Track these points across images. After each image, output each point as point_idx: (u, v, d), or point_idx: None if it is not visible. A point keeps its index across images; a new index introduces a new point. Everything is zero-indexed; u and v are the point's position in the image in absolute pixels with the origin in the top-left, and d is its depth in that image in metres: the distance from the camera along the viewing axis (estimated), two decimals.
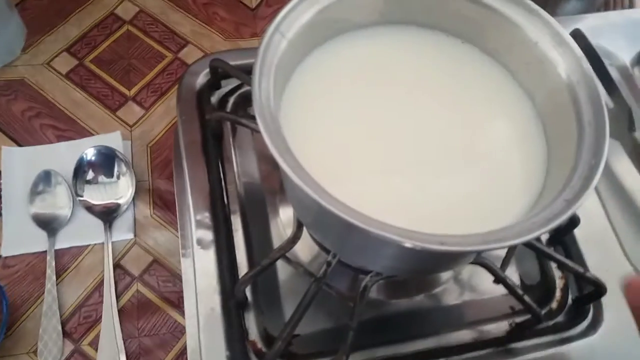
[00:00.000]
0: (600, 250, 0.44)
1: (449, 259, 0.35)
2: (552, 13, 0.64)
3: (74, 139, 0.65)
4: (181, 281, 0.57)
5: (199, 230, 0.43)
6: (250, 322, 0.41)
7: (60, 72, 0.70)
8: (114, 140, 0.64)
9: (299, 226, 0.39)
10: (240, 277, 0.42)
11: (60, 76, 0.69)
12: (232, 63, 0.49)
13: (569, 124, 0.34)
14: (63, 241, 0.59)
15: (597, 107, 0.33)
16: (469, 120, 0.38)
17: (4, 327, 0.52)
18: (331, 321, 0.43)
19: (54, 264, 0.57)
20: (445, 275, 0.46)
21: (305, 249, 0.44)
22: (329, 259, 0.38)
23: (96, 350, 0.54)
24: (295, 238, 0.39)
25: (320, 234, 0.38)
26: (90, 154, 0.61)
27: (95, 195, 0.61)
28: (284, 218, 0.47)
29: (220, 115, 0.46)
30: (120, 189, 0.61)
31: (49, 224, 0.59)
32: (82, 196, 0.60)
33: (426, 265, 0.36)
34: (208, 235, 0.43)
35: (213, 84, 0.49)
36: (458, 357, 0.41)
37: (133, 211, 0.62)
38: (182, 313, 0.57)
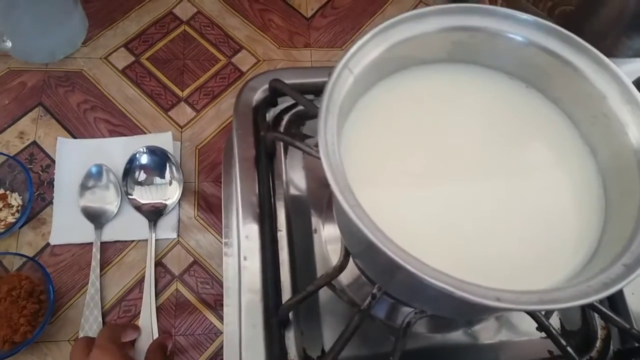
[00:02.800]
0: None
1: (498, 310, 0.36)
2: (612, 49, 0.64)
3: (126, 135, 0.67)
4: (219, 284, 0.59)
5: (246, 244, 0.44)
6: (290, 341, 0.42)
7: (117, 67, 0.72)
8: (165, 140, 0.66)
9: (345, 255, 0.40)
10: (282, 296, 0.43)
11: (116, 71, 0.71)
12: (288, 82, 0.49)
13: (632, 185, 0.34)
14: (108, 235, 0.61)
15: None
16: (525, 168, 0.38)
17: (50, 312, 0.54)
18: (367, 347, 0.44)
19: (99, 256, 0.59)
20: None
21: (349, 275, 0.45)
22: (374, 292, 0.39)
23: (133, 345, 0.56)
24: (342, 267, 0.40)
25: (368, 267, 0.39)
26: (143, 157, 0.63)
27: (144, 195, 0.63)
28: (326, 236, 0.48)
29: (275, 135, 0.46)
30: (169, 191, 0.63)
31: (96, 217, 0.61)
32: (131, 195, 0.62)
33: (472, 312, 0.36)
34: (255, 251, 0.44)
35: (270, 101, 0.50)
36: None
37: (178, 212, 0.63)
38: (218, 316, 0.59)
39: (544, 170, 0.38)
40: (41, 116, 0.67)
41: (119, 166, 0.64)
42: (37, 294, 0.56)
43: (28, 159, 0.64)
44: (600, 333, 0.44)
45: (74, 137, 0.66)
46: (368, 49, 0.36)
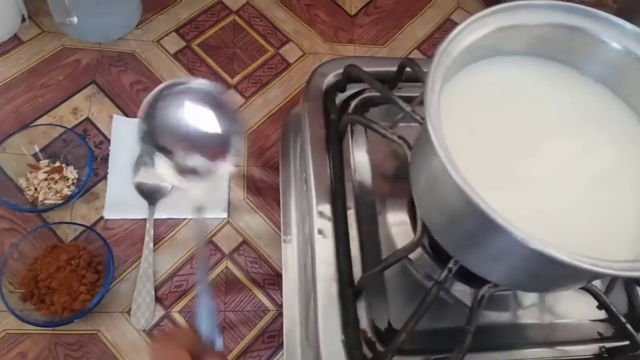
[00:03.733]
0: None
1: (572, 280, 0.38)
2: None
3: None
4: (267, 265, 0.60)
5: (320, 220, 0.46)
6: (362, 312, 0.44)
7: (169, 51, 0.73)
8: None
9: (423, 230, 0.42)
10: (354, 268, 0.45)
11: (168, 55, 0.73)
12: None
13: None
14: (161, 212, 0.62)
15: None
16: (594, 153, 0.41)
17: (109, 282, 0.55)
18: (436, 322, 0.45)
19: (152, 232, 0.61)
20: (538, 295, 0.49)
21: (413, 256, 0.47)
22: (450, 266, 0.41)
23: (185, 318, 0.58)
24: (419, 241, 0.42)
25: (449, 238, 0.41)
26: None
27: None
28: (391, 221, 0.50)
29: (352, 118, 0.48)
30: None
31: (150, 194, 0.63)
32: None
33: (548, 282, 0.38)
34: (328, 227, 0.46)
35: (341, 86, 0.52)
36: None
37: (228, 193, 0.65)
38: (267, 294, 0.60)
39: (610, 157, 0.40)
40: (95, 94, 0.69)
41: None
42: (95, 265, 0.57)
43: (81, 135, 0.65)
44: None
45: (127, 116, 0.68)
46: (462, 36, 0.38)
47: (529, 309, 0.49)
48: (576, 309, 0.49)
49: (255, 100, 0.72)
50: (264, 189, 0.66)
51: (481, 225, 0.34)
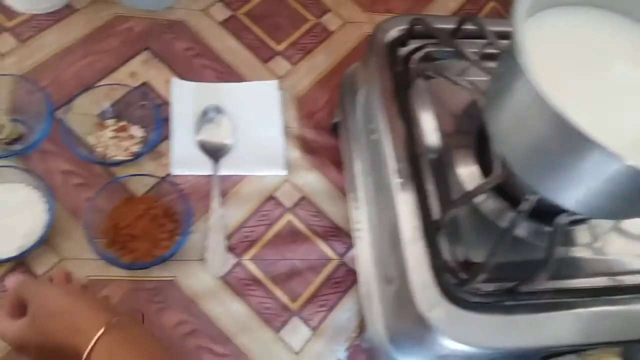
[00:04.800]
0: None
1: None
2: None
3: (231, 81, 0.71)
4: (327, 218, 0.64)
5: (397, 164, 0.50)
6: (443, 245, 0.48)
7: (216, 19, 0.76)
8: (272, 87, 0.71)
9: (503, 166, 0.46)
10: (431, 208, 0.49)
11: (216, 23, 0.76)
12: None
13: None
14: (224, 169, 0.65)
15: None
16: None
17: (188, 228, 0.58)
18: (513, 254, 0.49)
19: (218, 186, 0.64)
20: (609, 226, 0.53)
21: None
22: (528, 197, 0.45)
23: (257, 266, 0.61)
24: (500, 175, 0.46)
25: (532, 171, 0.45)
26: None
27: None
28: (459, 168, 0.54)
29: (423, 66, 0.52)
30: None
31: (214, 152, 0.66)
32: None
33: (628, 207, 0.43)
34: (405, 170, 0.50)
35: (403, 41, 0.56)
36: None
37: (285, 153, 0.68)
38: (329, 245, 0.64)
39: None
40: (150, 59, 0.71)
41: (230, 108, 0.68)
42: (171, 214, 0.59)
43: (140, 97, 0.68)
44: None
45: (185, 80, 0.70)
46: None
47: (603, 243, 0.53)
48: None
49: (302, 67, 0.75)
50: (317, 149, 0.70)
51: (574, 149, 0.39)
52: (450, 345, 0.44)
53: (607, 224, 0.53)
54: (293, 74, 0.75)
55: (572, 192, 0.43)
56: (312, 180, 0.68)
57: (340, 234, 0.65)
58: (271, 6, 0.79)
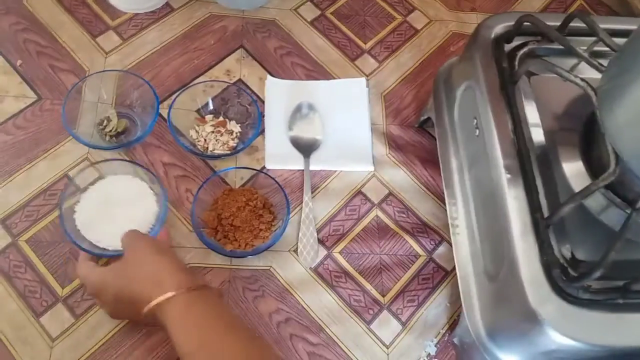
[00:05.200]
0: None
1: None
2: None
3: (320, 79, 0.73)
4: (414, 215, 0.65)
5: (505, 160, 0.50)
6: (552, 242, 0.48)
7: (306, 19, 0.78)
8: (360, 85, 0.73)
9: (616, 163, 0.46)
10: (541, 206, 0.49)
11: (305, 22, 0.78)
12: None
13: None
14: (315, 164, 0.67)
15: None
16: None
17: (287, 219, 0.60)
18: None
19: (309, 180, 0.66)
20: None
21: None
22: None
23: (347, 259, 0.63)
24: (615, 171, 0.45)
25: None
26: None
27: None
28: (564, 166, 0.54)
29: (535, 62, 0.52)
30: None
31: (305, 147, 0.68)
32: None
33: None
34: (514, 166, 0.50)
35: (509, 37, 0.56)
36: None
37: (372, 149, 0.69)
38: (417, 241, 0.65)
39: None
40: (244, 57, 0.74)
41: (320, 105, 0.70)
42: (269, 206, 0.62)
43: (236, 94, 0.70)
44: None
45: (277, 77, 0.73)
46: None
47: None
48: None
49: (388, 64, 0.76)
50: (403, 146, 0.71)
51: None
52: (559, 340, 0.44)
53: None
54: (379, 72, 0.76)
55: None
56: (398, 177, 0.69)
57: (427, 231, 0.66)
58: (358, 5, 0.80)
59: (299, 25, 0.78)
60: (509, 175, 0.50)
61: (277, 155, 0.68)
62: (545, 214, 0.48)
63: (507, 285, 0.48)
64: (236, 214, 0.60)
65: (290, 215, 0.64)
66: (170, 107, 0.65)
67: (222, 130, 0.67)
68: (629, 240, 0.50)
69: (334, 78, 0.74)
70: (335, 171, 0.68)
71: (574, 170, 0.52)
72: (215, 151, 0.66)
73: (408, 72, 0.76)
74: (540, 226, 0.47)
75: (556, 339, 0.44)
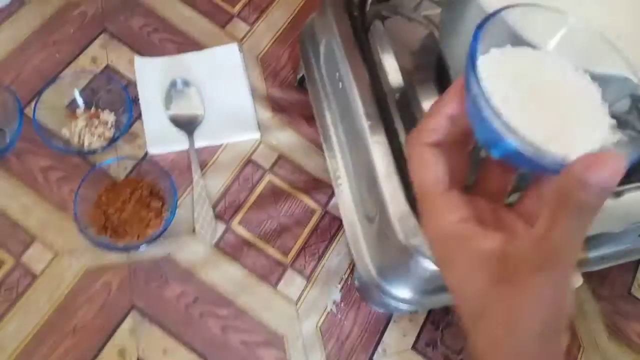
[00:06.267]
0: None
1: None
2: None
3: (192, 52, 0.72)
4: (305, 173, 0.66)
5: (368, 107, 0.51)
6: None
7: None
8: (233, 51, 0.72)
9: None
10: (402, 144, 0.51)
11: None
12: None
13: None
14: (199, 141, 0.67)
15: None
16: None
17: (175, 204, 0.60)
18: None
19: (197, 159, 0.65)
20: None
21: None
22: None
23: (246, 228, 0.63)
24: None
25: None
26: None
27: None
28: (424, 104, 0.56)
29: (378, 8, 0.53)
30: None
31: (186, 125, 0.67)
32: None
33: None
34: (375, 115, 0.51)
35: None
36: None
37: (255, 115, 0.69)
38: (312, 198, 0.66)
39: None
40: (108, 41, 0.71)
41: (196, 78, 0.69)
42: (156, 192, 0.61)
43: (105, 81, 0.68)
44: None
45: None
46: None
47: None
48: None
49: (260, 26, 0.75)
50: (286, 107, 0.71)
51: None
52: (431, 266, 0.47)
53: None
54: (252, 35, 0.75)
55: None
56: (286, 139, 0.69)
57: (320, 186, 0.67)
58: None
59: None
60: (369, 122, 0.51)
61: (159, 137, 0.66)
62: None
63: (383, 226, 0.50)
64: (122, 207, 0.59)
65: (181, 197, 0.64)
66: (34, 108, 0.62)
67: (96, 122, 0.65)
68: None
69: (206, 48, 0.73)
70: (223, 144, 0.68)
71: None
72: (92, 145, 0.64)
73: (280, 30, 0.76)
74: (402, 165, 0.49)
75: (428, 265, 0.47)
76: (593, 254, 0.58)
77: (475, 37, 0.26)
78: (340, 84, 0.56)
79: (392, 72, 0.55)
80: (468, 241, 0.27)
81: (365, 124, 0.51)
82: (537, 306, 0.24)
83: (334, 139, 0.61)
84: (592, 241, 0.56)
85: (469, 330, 0.27)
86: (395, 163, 0.50)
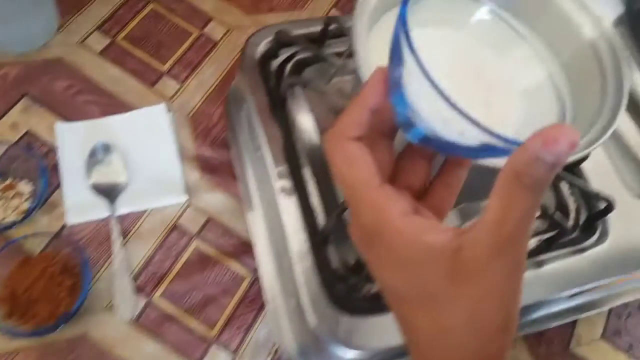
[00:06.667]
0: (601, 178, 0.54)
1: None
2: None
3: (117, 114, 0.69)
4: (235, 235, 0.63)
5: (280, 181, 0.49)
6: (332, 254, 0.48)
7: (95, 50, 0.73)
8: (160, 112, 0.69)
9: None
10: (318, 218, 0.49)
11: (95, 54, 0.73)
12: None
13: (592, 71, 0.42)
14: (122, 207, 0.64)
15: (617, 59, 0.41)
16: (509, 64, 0.45)
17: (88, 281, 0.57)
18: None
19: (118, 227, 0.62)
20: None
21: None
22: None
23: (169, 301, 0.60)
24: None
25: None
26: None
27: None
28: None
29: (290, 81, 0.51)
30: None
31: (108, 192, 0.64)
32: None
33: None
34: (288, 185, 0.49)
35: (273, 53, 0.55)
36: None
37: (183, 177, 0.67)
38: (241, 263, 0.64)
39: (521, 68, 0.45)
40: (30, 105, 0.69)
41: (120, 142, 0.67)
42: (71, 269, 0.58)
43: (26, 149, 0.65)
44: (571, 205, 0.54)
45: (69, 121, 0.68)
46: None
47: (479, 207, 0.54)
48: None
49: (191, 83, 0.74)
50: (217, 166, 0.69)
51: None
52: (346, 354, 0.45)
53: None
54: (183, 93, 0.73)
55: None
56: (215, 200, 0.67)
57: (251, 249, 0.64)
58: (150, 25, 0.76)
59: (88, 58, 0.73)
60: (282, 194, 0.49)
61: (79, 207, 0.63)
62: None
63: (299, 306, 0.48)
64: (33, 286, 0.56)
65: (100, 270, 0.61)
66: None
67: (11, 194, 0.62)
68: None
69: (133, 109, 0.70)
70: (147, 210, 0.65)
71: None
72: (7, 220, 0.61)
73: (212, 88, 0.74)
74: (317, 240, 0.47)
75: (342, 353, 0.44)
76: (525, 318, 0.56)
77: (405, 4, 0.24)
78: (258, 151, 0.54)
79: (307, 132, 0.53)
80: (418, 236, 0.25)
81: (278, 196, 0.49)
82: (498, 299, 0.23)
83: (257, 203, 0.59)
84: (523, 309, 0.54)
85: (421, 343, 0.26)
86: (310, 238, 0.47)
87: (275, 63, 0.55)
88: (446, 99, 0.22)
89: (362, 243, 0.27)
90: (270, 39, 0.55)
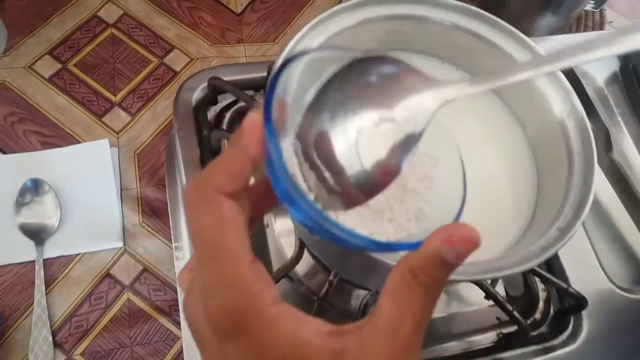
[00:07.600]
0: (580, 265, 0.47)
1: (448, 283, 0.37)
2: (529, 28, 0.67)
3: (60, 146, 0.65)
4: (172, 290, 0.58)
5: None
6: None
7: (43, 75, 0.69)
8: (102, 147, 0.64)
9: (300, 246, 0.41)
10: None
11: (43, 80, 0.68)
12: (227, 78, 0.49)
13: (559, 154, 0.36)
14: (51, 250, 0.59)
15: (586, 139, 0.35)
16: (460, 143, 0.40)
17: None
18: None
19: (42, 273, 0.57)
20: None
21: (304, 265, 0.45)
22: (331, 279, 0.40)
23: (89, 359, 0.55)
24: (297, 258, 0.40)
25: (323, 254, 0.40)
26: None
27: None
28: (279, 230, 0.49)
29: (220, 134, 0.46)
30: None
31: (36, 234, 0.59)
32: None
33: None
34: None
35: (210, 100, 0.50)
36: None
37: (122, 220, 0.62)
38: (174, 321, 0.58)
39: (477, 144, 0.40)
40: None
41: (56, 178, 0.61)
42: None
43: None
44: (541, 295, 0.47)
45: (4, 153, 0.63)
46: (307, 40, 0.37)
47: None
48: (475, 296, 0.48)
49: (143, 116, 0.69)
50: (160, 210, 0.64)
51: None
52: None
53: None
54: (132, 127, 0.68)
55: (367, 278, 0.38)
56: (153, 248, 0.61)
57: None
58: (107, 51, 0.72)
59: (34, 84, 0.68)
60: None
61: (3, 248, 0.58)
62: None
63: None
64: None
65: (20, 319, 0.55)
66: None
67: None
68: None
69: (78, 141, 0.65)
70: (78, 255, 0.60)
71: (290, 240, 0.47)
72: None
73: (166, 122, 0.69)
74: None
75: None
76: None
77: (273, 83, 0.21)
78: None
79: None
80: (292, 331, 0.20)
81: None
82: None
83: (187, 254, 0.54)
84: None
85: None
86: None
87: (214, 110, 0.50)
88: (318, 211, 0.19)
89: (220, 330, 0.21)
90: (205, 84, 0.50)
